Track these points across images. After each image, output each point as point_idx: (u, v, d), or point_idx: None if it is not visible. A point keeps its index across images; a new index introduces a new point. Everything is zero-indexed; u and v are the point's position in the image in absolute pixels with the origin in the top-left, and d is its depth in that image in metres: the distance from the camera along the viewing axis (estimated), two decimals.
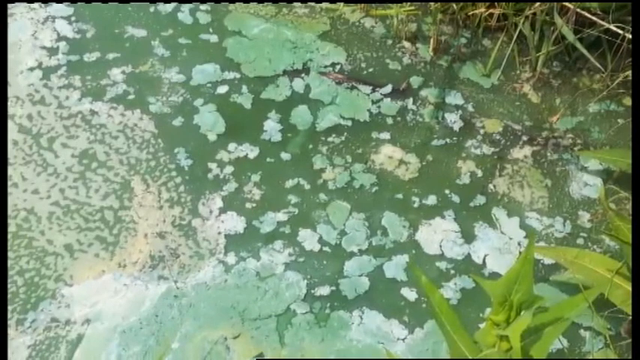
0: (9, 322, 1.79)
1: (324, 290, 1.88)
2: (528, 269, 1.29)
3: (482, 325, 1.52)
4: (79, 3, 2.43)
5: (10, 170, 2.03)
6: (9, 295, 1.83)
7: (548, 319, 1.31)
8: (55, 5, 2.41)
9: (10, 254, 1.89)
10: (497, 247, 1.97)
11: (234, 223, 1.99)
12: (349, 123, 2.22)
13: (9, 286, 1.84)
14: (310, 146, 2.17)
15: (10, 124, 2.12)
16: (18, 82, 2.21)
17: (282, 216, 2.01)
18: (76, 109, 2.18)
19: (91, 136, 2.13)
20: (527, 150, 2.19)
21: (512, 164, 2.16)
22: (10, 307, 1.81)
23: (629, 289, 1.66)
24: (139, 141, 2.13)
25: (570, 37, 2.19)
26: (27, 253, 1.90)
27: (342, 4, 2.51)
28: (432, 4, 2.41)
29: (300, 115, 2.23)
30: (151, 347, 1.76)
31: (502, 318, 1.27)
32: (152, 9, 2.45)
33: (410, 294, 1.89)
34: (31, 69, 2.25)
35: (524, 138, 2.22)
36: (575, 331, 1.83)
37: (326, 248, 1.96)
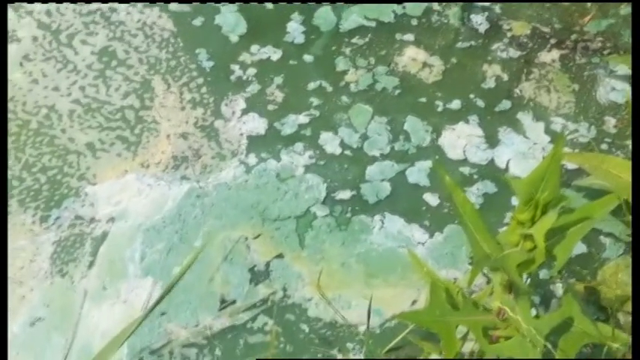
0: (32, 218, 1.81)
1: (344, 194, 1.88)
2: (555, 168, 1.26)
3: (502, 230, 1.51)
4: None
5: (30, 66, 2.01)
6: (31, 193, 1.84)
7: (573, 219, 1.30)
8: None
9: (32, 151, 1.89)
10: (522, 152, 1.95)
11: (256, 124, 1.97)
12: (373, 24, 2.17)
13: (31, 183, 1.86)
14: (333, 48, 2.12)
15: (28, 19, 2.09)
16: None
17: (303, 118, 1.99)
18: (95, 5, 2.14)
19: (110, 33, 2.09)
20: (555, 53, 2.13)
21: (539, 68, 2.11)
22: (33, 205, 1.83)
23: None
24: (158, 40, 2.09)
25: None
26: (49, 150, 1.90)
27: None
28: None
29: (324, 16, 2.18)
30: (174, 245, 1.78)
31: (527, 217, 1.25)
32: None
33: (432, 199, 1.88)
34: None
35: (553, 41, 2.15)
36: (595, 237, 1.83)
37: (347, 152, 1.95)
